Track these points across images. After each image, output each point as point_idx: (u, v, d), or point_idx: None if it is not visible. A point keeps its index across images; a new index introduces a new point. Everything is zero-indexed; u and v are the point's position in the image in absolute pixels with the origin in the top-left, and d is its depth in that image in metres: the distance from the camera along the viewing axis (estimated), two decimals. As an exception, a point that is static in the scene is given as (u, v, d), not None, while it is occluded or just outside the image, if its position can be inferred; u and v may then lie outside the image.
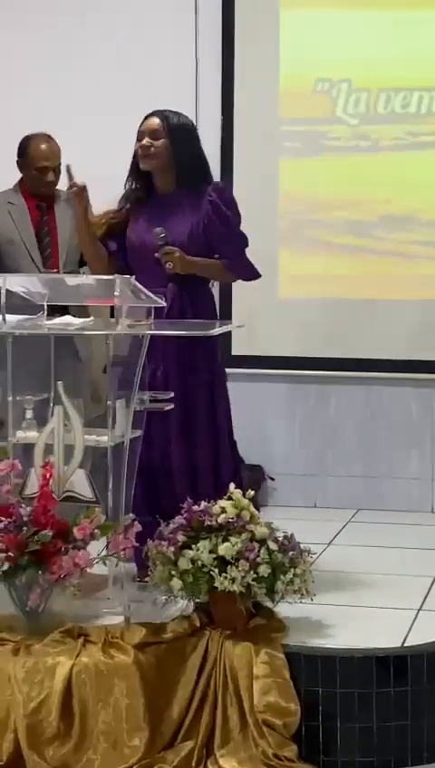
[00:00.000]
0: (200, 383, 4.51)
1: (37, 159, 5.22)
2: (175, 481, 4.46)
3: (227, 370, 5.93)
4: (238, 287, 5.99)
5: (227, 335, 6.03)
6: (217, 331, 4.12)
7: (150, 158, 4.51)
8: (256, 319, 6.00)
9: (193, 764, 3.81)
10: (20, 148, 5.28)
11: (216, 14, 6.02)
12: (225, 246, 4.56)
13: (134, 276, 4.14)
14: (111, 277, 4.10)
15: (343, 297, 6.01)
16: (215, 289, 5.83)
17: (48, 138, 5.26)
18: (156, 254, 4.43)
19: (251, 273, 4.69)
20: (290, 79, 5.99)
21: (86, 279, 4.28)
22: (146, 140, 4.51)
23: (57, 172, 5.22)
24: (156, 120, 4.53)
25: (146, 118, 4.57)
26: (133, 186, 4.61)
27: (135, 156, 4.57)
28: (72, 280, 4.30)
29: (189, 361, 4.47)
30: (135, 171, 4.59)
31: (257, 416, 6.13)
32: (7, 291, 4.23)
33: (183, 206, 4.51)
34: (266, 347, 6.10)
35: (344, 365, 6.03)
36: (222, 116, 6.05)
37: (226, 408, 4.65)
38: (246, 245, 4.62)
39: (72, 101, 6.09)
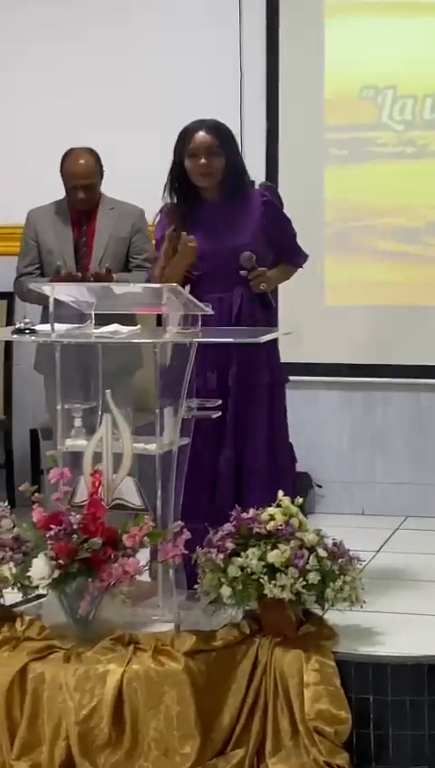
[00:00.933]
0: (261, 385, 4.52)
1: (68, 178, 5.26)
2: (227, 485, 4.45)
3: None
4: (284, 294, 6.00)
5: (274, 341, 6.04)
6: (265, 338, 4.12)
7: (210, 177, 4.48)
8: (303, 327, 5.95)
9: (244, 772, 3.81)
10: (61, 162, 5.32)
11: (260, 22, 6.02)
12: (287, 241, 4.62)
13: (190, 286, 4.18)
14: (158, 285, 4.11)
15: (390, 304, 5.98)
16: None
17: (85, 153, 5.26)
18: (248, 278, 4.45)
19: (305, 258, 4.76)
20: (335, 86, 5.97)
21: (133, 287, 4.29)
22: (204, 159, 4.46)
23: (92, 189, 5.24)
24: (208, 138, 4.47)
25: (192, 131, 4.48)
26: (177, 199, 4.56)
27: (175, 169, 4.52)
28: (119, 289, 4.30)
29: (251, 364, 4.49)
30: (182, 185, 4.53)
31: (305, 423, 6.08)
32: (56, 300, 4.27)
33: (236, 213, 4.51)
34: (314, 354, 6.08)
35: (392, 372, 6.00)
36: (267, 124, 6.05)
37: (283, 412, 4.66)
38: (299, 245, 4.70)
39: (115, 114, 6.12)
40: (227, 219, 4.50)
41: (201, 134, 4.47)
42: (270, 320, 4.68)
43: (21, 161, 6.21)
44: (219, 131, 4.50)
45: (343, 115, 5.98)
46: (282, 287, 6.04)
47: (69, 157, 5.28)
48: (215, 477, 4.44)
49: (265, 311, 4.59)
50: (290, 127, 6.02)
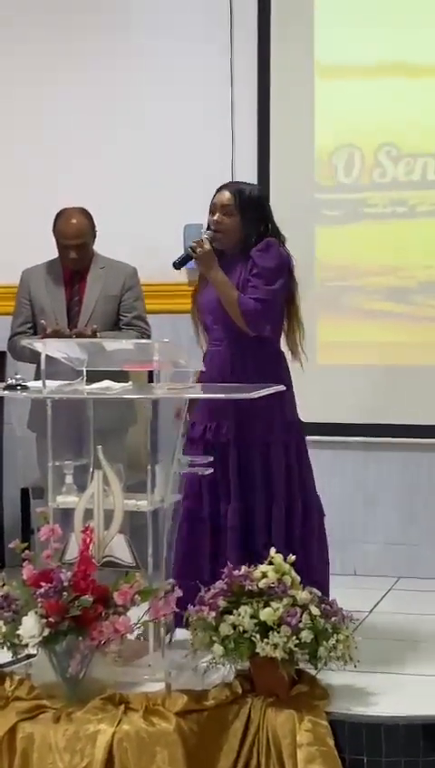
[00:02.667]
0: (258, 442, 4.54)
1: (60, 238, 5.28)
2: (228, 542, 4.44)
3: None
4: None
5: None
6: (256, 393, 4.11)
7: (220, 234, 4.59)
8: (295, 386, 5.97)
9: None
10: (53, 222, 5.34)
11: (251, 83, 6.08)
12: (249, 289, 4.56)
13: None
14: (149, 342, 4.11)
15: (382, 364, 5.99)
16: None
17: (77, 213, 5.28)
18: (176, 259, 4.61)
19: (258, 326, 4.57)
20: (326, 147, 6.02)
21: (125, 344, 4.29)
22: (217, 216, 4.59)
23: (84, 248, 5.27)
24: (226, 195, 4.61)
25: (219, 190, 4.65)
26: (173, 262, 4.68)
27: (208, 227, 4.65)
28: (110, 345, 4.30)
29: (246, 420, 4.51)
30: None
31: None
32: (47, 356, 4.26)
33: (241, 269, 4.59)
34: (305, 413, 6.02)
35: (384, 432, 5.99)
36: (258, 184, 6.06)
37: (286, 464, 4.64)
38: (268, 304, 4.58)
39: (108, 172, 6.17)
40: (234, 274, 4.58)
41: (223, 192, 4.64)
42: (272, 376, 4.62)
43: (18, 220, 6.24)
44: (241, 192, 4.63)
45: (333, 175, 6.02)
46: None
47: (61, 216, 5.30)
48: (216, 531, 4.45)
49: (264, 367, 4.60)
50: (281, 187, 6.04)
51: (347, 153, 6.00)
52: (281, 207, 5.97)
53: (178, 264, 4.66)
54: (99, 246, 5.37)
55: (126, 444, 4.97)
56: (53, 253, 5.40)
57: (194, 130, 6.07)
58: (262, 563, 3.98)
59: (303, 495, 4.66)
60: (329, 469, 6.10)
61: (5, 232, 6.28)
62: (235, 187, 4.66)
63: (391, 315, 5.99)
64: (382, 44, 5.90)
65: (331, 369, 6.05)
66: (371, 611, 5.20)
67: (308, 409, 6.04)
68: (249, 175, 6.06)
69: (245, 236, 4.59)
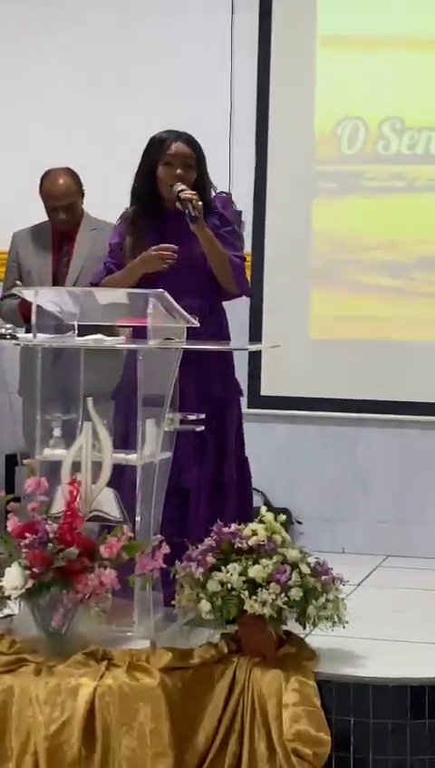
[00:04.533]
0: (216, 396, 4.44)
1: (47, 200, 5.21)
2: (191, 502, 4.36)
3: (257, 411, 5.97)
4: (269, 326, 5.96)
5: (257, 374, 5.98)
6: (253, 347, 4.03)
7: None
8: (287, 360, 5.93)
9: (219, 795, 3.66)
10: (39, 183, 5.26)
11: (252, 54, 6.03)
12: (227, 246, 4.45)
13: None
14: (144, 292, 4.03)
15: (376, 339, 5.93)
16: (244, 328, 5.84)
17: (63, 174, 5.20)
18: (177, 203, 4.34)
19: (245, 285, 4.53)
20: (325, 118, 5.97)
21: (119, 296, 4.19)
22: (179, 170, 4.42)
23: (71, 209, 5.19)
24: (187, 150, 4.45)
25: (170, 140, 4.45)
26: (140, 206, 4.50)
27: (143, 175, 4.47)
28: (103, 299, 4.21)
29: (204, 379, 4.40)
30: (147, 193, 4.48)
31: (286, 458, 6.04)
32: (39, 308, 4.18)
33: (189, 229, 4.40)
34: (297, 388, 6.01)
35: (376, 408, 5.93)
36: (256, 155, 6.02)
37: (237, 423, 4.55)
38: (244, 262, 4.53)
39: (100, 137, 6.09)
40: (186, 231, 4.39)
41: (180, 144, 4.45)
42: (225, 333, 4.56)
43: (6, 185, 6.16)
44: (195, 145, 4.48)
45: (332, 148, 5.97)
46: (267, 317, 6.02)
47: (47, 178, 5.23)
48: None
49: (220, 324, 4.52)
50: (279, 159, 6.00)
51: (352, 125, 5.94)
52: (279, 179, 5.99)
53: (195, 218, 4.34)
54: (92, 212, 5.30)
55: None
56: (39, 217, 5.33)
57: (193, 99, 6.00)
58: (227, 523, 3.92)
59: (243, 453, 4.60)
60: (320, 445, 6.06)
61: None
62: (187, 138, 4.47)
63: (387, 290, 5.93)
64: (387, 16, 5.85)
65: (323, 344, 6.00)
66: (359, 585, 5.13)
67: (299, 384, 6.03)
68: (247, 145, 6.04)
69: (199, 191, 4.39)
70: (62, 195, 5.17)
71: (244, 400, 5.80)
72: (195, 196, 4.33)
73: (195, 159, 4.45)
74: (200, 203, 4.33)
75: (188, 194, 4.34)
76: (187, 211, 4.31)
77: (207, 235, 4.39)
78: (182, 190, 4.34)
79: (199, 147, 4.50)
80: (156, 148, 4.45)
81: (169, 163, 4.43)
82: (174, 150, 4.44)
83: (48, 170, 5.24)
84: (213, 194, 4.56)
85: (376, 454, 5.99)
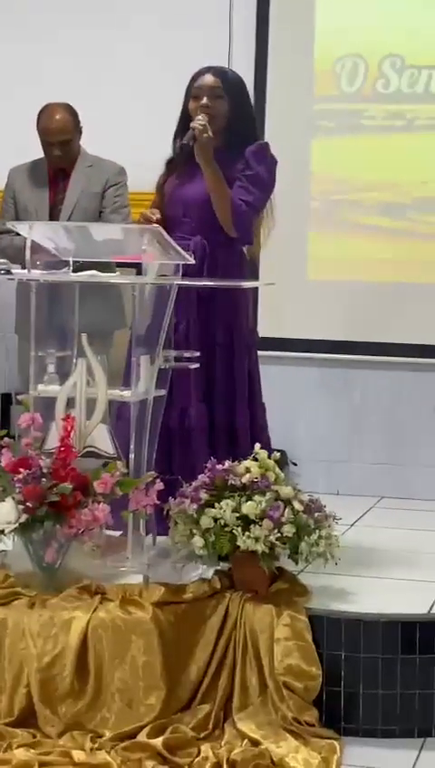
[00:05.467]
0: (221, 341, 4.38)
1: (43, 135, 5.18)
2: (193, 442, 4.34)
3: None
4: (266, 267, 5.91)
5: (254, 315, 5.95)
6: (246, 284, 4.02)
7: (211, 121, 4.31)
8: (284, 301, 5.91)
9: (210, 727, 3.69)
10: (36, 118, 5.22)
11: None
12: (240, 189, 4.36)
13: None
14: (139, 227, 4.00)
15: (373, 281, 5.90)
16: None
17: (60, 109, 5.16)
18: (184, 140, 4.28)
19: (244, 231, 4.38)
20: (325, 56, 5.91)
21: (114, 232, 4.17)
22: (205, 100, 4.34)
23: (68, 145, 5.16)
24: (212, 79, 4.37)
25: (199, 73, 4.40)
26: (180, 145, 4.39)
27: (184, 114, 4.40)
28: (98, 234, 4.18)
29: (210, 317, 4.36)
30: (182, 128, 4.40)
31: (282, 399, 6.00)
32: (33, 244, 4.15)
33: (227, 165, 4.35)
34: (294, 330, 6.00)
35: (373, 350, 5.92)
36: (255, 93, 5.94)
37: (247, 369, 4.50)
38: (256, 210, 4.40)
39: (99, 81, 6.03)
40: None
41: (207, 76, 4.39)
42: (236, 275, 4.47)
43: (3, 123, 6.11)
44: (225, 75, 4.41)
45: (331, 86, 5.91)
46: (264, 258, 5.96)
47: (44, 113, 5.19)
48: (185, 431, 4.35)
49: (230, 266, 4.43)
50: (278, 97, 5.95)
51: (351, 62, 5.88)
52: (278, 119, 5.95)
53: (186, 145, 4.31)
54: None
55: (112, 346, 4.87)
56: (41, 153, 5.29)
57: (191, 32, 5.92)
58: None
59: (258, 400, 4.58)
60: (315, 387, 6.05)
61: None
62: (219, 70, 4.42)
63: (386, 231, 5.90)
64: None
65: (320, 285, 5.98)
66: (352, 525, 5.14)
67: (296, 325, 6.01)
68: (246, 82, 5.93)
69: (232, 125, 4.36)
70: (58, 131, 5.14)
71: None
72: (199, 125, 4.24)
73: (223, 90, 4.36)
74: (208, 134, 4.23)
75: (196, 123, 4.26)
76: (191, 133, 4.25)
77: (212, 171, 4.31)
78: (197, 120, 4.27)
79: (232, 78, 4.43)
80: (189, 84, 4.42)
81: (196, 96, 4.38)
82: (199, 82, 4.39)
83: (46, 105, 5.20)
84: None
85: (371, 396, 5.99)
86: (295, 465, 5.99)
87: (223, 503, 3.83)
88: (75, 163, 5.22)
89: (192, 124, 4.28)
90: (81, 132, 5.21)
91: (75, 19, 6.15)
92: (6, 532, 3.83)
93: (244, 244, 4.46)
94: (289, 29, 5.91)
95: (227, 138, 4.39)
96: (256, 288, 5.85)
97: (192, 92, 4.38)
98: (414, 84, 5.82)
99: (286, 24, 5.90)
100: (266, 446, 4.34)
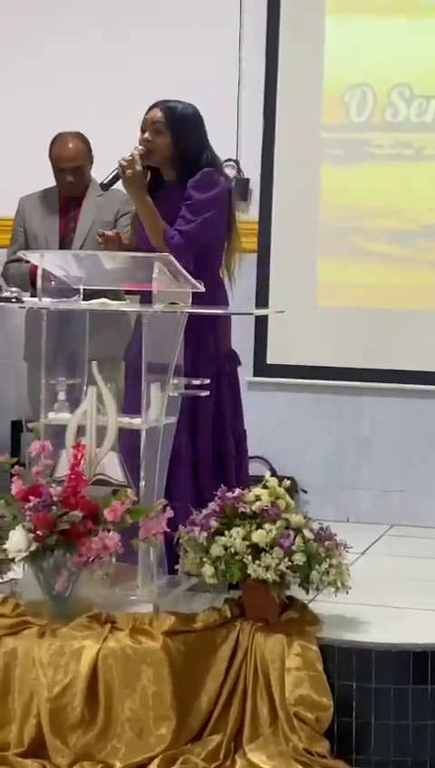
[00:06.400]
0: (207, 372, 4.30)
1: (55, 161, 5.21)
2: (181, 471, 4.31)
3: (262, 379, 5.97)
4: (275, 294, 5.93)
5: (263, 342, 5.96)
6: (259, 312, 4.01)
7: (151, 153, 4.35)
8: (292, 327, 5.91)
9: (221, 758, 3.67)
10: (49, 146, 5.26)
11: (260, 19, 5.98)
12: (178, 219, 4.32)
13: None
14: (149, 255, 4.01)
15: (381, 307, 5.90)
16: (251, 295, 5.80)
17: (73, 137, 5.21)
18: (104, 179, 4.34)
19: (178, 255, 4.18)
20: (333, 85, 5.93)
21: (124, 260, 4.18)
22: (147, 135, 4.36)
23: (80, 172, 5.19)
24: (157, 112, 4.38)
25: (149, 108, 4.42)
26: (100, 183, 4.45)
27: None
28: (108, 263, 4.19)
29: (196, 349, 4.32)
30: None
31: (291, 426, 6.03)
32: (44, 272, 4.16)
33: (178, 200, 4.34)
34: (302, 356, 6.00)
35: (382, 377, 5.91)
36: (264, 121, 5.98)
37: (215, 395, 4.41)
38: (191, 236, 4.30)
39: (108, 107, 6.05)
40: (174, 203, 4.34)
41: (152, 110, 4.40)
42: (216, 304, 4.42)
43: (15, 152, 6.13)
44: (171, 110, 4.38)
45: (340, 115, 5.93)
46: (274, 287, 5.99)
47: (57, 140, 5.23)
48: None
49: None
50: (287, 125, 5.96)
51: (360, 91, 5.90)
52: (287, 146, 5.96)
53: (106, 185, 4.37)
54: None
55: (121, 372, 4.87)
56: (52, 182, 5.31)
57: (200, 64, 5.95)
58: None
59: (240, 427, 4.52)
60: (325, 414, 6.04)
61: (6, 164, 6.17)
62: (166, 104, 4.40)
63: (393, 258, 5.90)
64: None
65: (330, 312, 5.98)
66: (363, 553, 5.13)
67: (305, 352, 6.01)
68: (255, 111, 6.01)
69: (177, 158, 4.35)
70: (70, 157, 5.18)
71: (249, 369, 5.85)
72: (124, 161, 4.27)
73: (164, 124, 4.34)
74: (134, 168, 4.26)
75: (121, 158, 4.29)
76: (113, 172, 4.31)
77: (140, 204, 4.32)
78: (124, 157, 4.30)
79: (180, 112, 4.39)
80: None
81: (141, 129, 4.40)
82: (146, 116, 4.41)
83: (59, 133, 5.26)
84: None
85: (381, 423, 5.97)
86: (305, 492, 5.98)
87: (233, 531, 3.82)
88: (86, 192, 5.23)
89: (118, 159, 4.30)
90: (92, 161, 5.23)
91: (87, 48, 6.18)
92: (17, 560, 3.82)
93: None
94: (298, 58, 5.93)
95: (176, 172, 4.39)
96: (265, 317, 5.89)
97: (141, 125, 4.40)
98: (422, 114, 5.83)
99: (296, 53, 5.93)
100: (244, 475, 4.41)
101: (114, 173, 4.33)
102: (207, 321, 4.31)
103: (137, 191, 4.31)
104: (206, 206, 4.32)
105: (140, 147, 4.33)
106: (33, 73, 6.25)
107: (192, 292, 4.09)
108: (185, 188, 4.35)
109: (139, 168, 4.28)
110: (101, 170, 5.23)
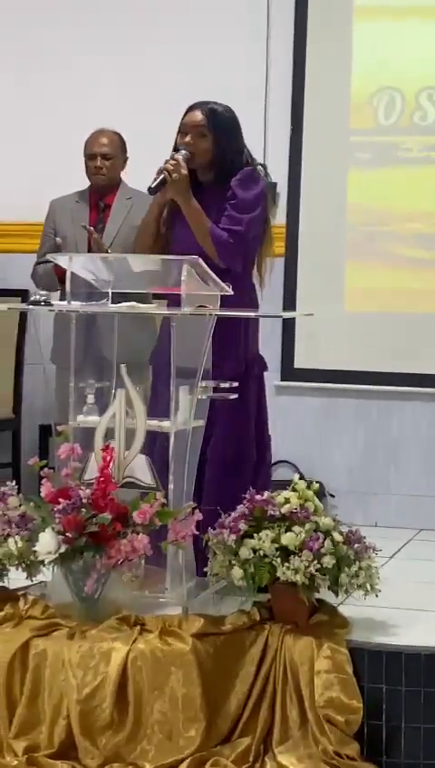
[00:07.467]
0: (233, 375, 4.27)
1: (87, 147, 5.27)
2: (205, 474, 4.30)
3: (290, 383, 5.97)
4: (303, 299, 5.93)
5: (290, 346, 5.96)
6: (287, 314, 4.01)
7: (193, 156, 4.32)
8: (321, 332, 5.91)
9: (250, 760, 3.66)
10: (85, 142, 5.32)
11: (288, 22, 6.00)
12: (223, 219, 4.31)
13: None
14: (178, 259, 4.01)
15: (409, 311, 5.90)
16: (278, 300, 5.81)
17: (109, 130, 5.29)
18: (151, 184, 4.29)
19: (229, 259, 4.28)
20: (361, 89, 5.94)
21: (153, 263, 4.18)
22: (189, 138, 4.33)
23: (109, 160, 5.24)
24: (199, 117, 4.35)
25: (189, 108, 4.39)
26: (148, 188, 4.37)
27: (175, 148, 4.37)
28: (137, 266, 4.20)
29: (224, 351, 4.26)
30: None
31: (320, 431, 6.03)
32: (72, 275, 4.18)
33: (221, 198, 4.33)
34: (331, 361, 6.00)
35: (410, 381, 5.90)
36: (291, 126, 5.99)
37: (251, 403, 4.41)
38: (241, 235, 4.29)
39: (138, 115, 6.06)
40: (212, 204, 4.33)
41: (193, 113, 4.37)
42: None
43: (45, 160, 6.16)
44: (212, 112, 4.36)
45: (368, 118, 5.93)
46: (301, 291, 5.98)
47: (94, 132, 5.31)
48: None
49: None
50: (315, 129, 5.98)
51: (388, 95, 5.90)
52: (314, 149, 5.96)
53: (154, 189, 4.31)
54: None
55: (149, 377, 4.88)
56: (82, 187, 5.35)
57: (229, 70, 5.96)
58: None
59: (265, 431, 4.51)
60: (353, 418, 6.04)
61: (37, 173, 6.20)
62: (206, 106, 4.36)
63: (421, 262, 5.90)
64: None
65: (357, 315, 5.97)
66: (391, 557, 5.11)
67: (333, 357, 6.01)
68: (283, 116, 6.01)
69: (218, 160, 4.33)
70: (103, 143, 5.24)
71: (277, 373, 5.85)
72: (170, 165, 4.25)
73: (207, 128, 4.33)
74: (179, 173, 4.24)
75: (167, 164, 4.27)
76: (160, 178, 4.27)
77: (188, 207, 4.29)
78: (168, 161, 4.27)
79: (221, 115, 4.37)
80: (181, 119, 4.41)
81: (182, 132, 4.37)
82: (185, 119, 4.38)
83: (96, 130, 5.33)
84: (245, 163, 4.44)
85: (409, 427, 5.97)
86: (333, 496, 5.97)
87: (262, 533, 3.81)
88: (116, 194, 5.26)
89: (163, 165, 4.28)
90: (125, 161, 5.27)
91: (115, 49, 6.20)
92: (46, 562, 3.83)
93: (234, 270, 4.31)
94: (326, 62, 5.94)
95: (215, 173, 4.38)
96: (293, 322, 5.88)
97: (180, 128, 4.38)
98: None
99: (323, 57, 5.94)
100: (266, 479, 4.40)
101: (161, 178, 4.27)
102: (236, 324, 4.31)
103: (184, 195, 4.29)
104: (251, 205, 4.33)
105: (184, 151, 4.31)
106: (62, 75, 6.28)
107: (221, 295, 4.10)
108: (222, 189, 4.34)
109: (184, 171, 4.27)
110: (134, 173, 5.28)
